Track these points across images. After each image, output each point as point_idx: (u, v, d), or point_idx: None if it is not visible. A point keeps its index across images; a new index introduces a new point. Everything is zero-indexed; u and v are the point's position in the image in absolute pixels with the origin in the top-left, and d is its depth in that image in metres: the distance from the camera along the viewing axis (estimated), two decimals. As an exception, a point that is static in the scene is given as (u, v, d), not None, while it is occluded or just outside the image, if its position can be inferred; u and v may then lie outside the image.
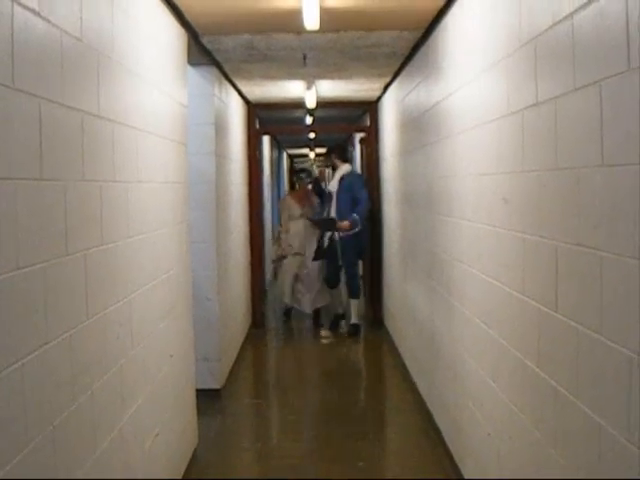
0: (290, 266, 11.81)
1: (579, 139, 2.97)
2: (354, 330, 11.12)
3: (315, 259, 11.55)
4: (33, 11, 2.82)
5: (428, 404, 6.99)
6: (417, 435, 6.75)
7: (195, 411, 6.36)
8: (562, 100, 3.14)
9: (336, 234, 11.15)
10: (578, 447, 3.08)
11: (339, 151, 11.73)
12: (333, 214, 11.21)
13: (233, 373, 8.78)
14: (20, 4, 2.70)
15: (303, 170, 13.27)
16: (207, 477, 5.93)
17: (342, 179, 11.25)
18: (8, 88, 2.60)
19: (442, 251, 6.06)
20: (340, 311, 11.79)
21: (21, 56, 2.70)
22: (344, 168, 11.41)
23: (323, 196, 12.13)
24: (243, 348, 10.07)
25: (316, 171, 14.90)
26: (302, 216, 11.92)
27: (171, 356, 5.29)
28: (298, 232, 11.86)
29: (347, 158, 11.95)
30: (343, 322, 11.66)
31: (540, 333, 3.52)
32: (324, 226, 11.34)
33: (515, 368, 3.97)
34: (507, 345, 4.13)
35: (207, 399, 7.38)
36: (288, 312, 12.28)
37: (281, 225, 12.24)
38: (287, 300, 11.96)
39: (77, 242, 3.29)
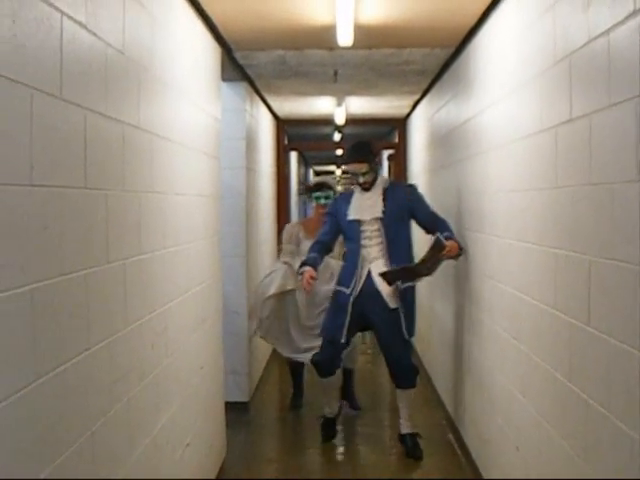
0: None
1: (614, 154, 3.00)
2: (412, 447, 6.79)
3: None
4: (80, 24, 2.89)
5: (455, 419, 7.01)
6: (443, 450, 6.76)
7: (224, 423, 6.40)
8: (597, 116, 3.18)
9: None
10: (609, 460, 3.10)
11: (373, 154, 6.87)
12: (379, 260, 6.67)
13: (260, 387, 8.82)
14: (69, 17, 2.77)
15: (322, 186, 8.28)
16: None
17: (386, 194, 6.74)
18: (56, 98, 2.66)
19: (472, 267, 6.08)
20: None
21: (69, 67, 2.77)
22: (382, 180, 6.94)
23: None
24: (270, 362, 10.10)
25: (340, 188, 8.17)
26: None
27: (202, 368, 5.34)
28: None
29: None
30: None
31: (572, 346, 3.55)
32: (405, 276, 6.57)
33: (545, 382, 3.99)
34: (537, 359, 4.15)
35: (235, 412, 7.44)
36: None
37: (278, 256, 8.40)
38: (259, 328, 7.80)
39: (117, 251, 3.35)
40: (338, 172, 29.29)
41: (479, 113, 5.78)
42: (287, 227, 8.39)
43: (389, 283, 6.45)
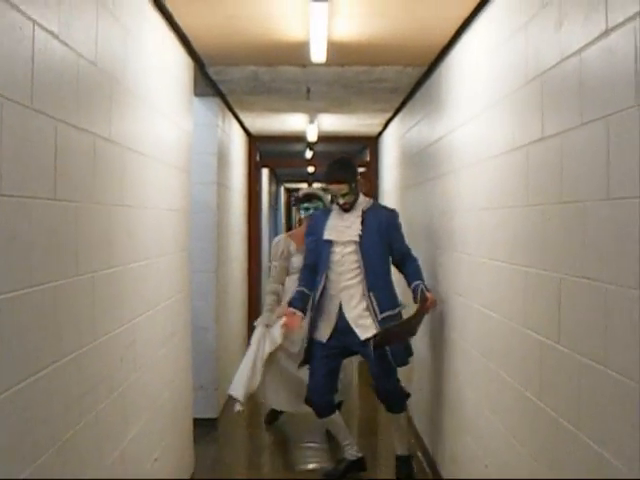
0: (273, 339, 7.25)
1: (585, 173, 3.01)
2: (406, 470, 6.53)
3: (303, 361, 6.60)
4: (52, 34, 2.88)
5: (423, 437, 7.00)
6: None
7: (192, 439, 6.36)
8: (568, 135, 3.19)
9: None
10: (578, 477, 3.10)
11: (355, 173, 6.35)
12: (351, 289, 6.23)
13: (229, 403, 8.75)
14: (41, 27, 2.75)
15: (310, 197, 7.94)
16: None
17: (365, 216, 6.30)
18: (27, 108, 2.64)
19: (442, 286, 6.08)
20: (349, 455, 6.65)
21: (40, 77, 2.75)
22: (364, 200, 6.44)
23: None
24: (239, 379, 10.04)
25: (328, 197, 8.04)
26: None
27: (172, 381, 5.31)
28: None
29: None
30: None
31: (542, 365, 3.55)
32: (397, 337, 6.04)
33: (515, 400, 3.99)
34: (507, 377, 4.15)
35: (203, 428, 7.38)
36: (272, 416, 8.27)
37: (273, 279, 7.75)
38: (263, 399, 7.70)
39: (86, 263, 3.32)
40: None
41: (451, 131, 5.79)
42: (275, 242, 7.87)
43: (377, 346, 5.83)
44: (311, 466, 7.06)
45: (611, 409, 2.76)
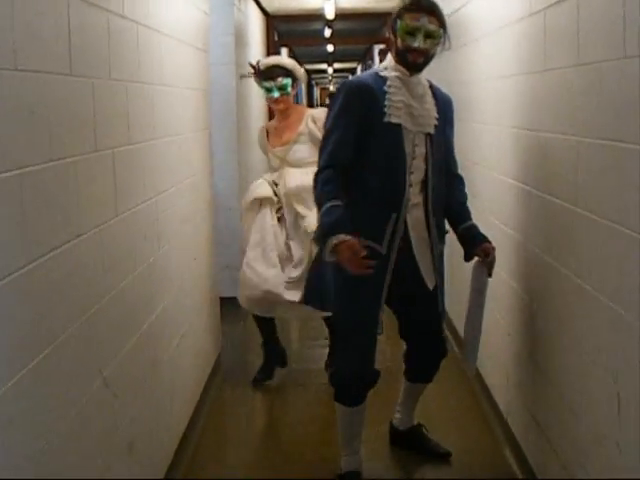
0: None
1: (601, 33, 2.99)
2: (434, 443, 4.74)
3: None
4: None
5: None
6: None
7: (219, 316, 6.46)
8: (585, -6, 3.16)
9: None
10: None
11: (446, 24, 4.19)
12: (418, 209, 4.18)
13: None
14: None
15: (274, 71, 5.85)
16: (230, 380, 6.08)
17: (436, 96, 4.33)
18: (38, -18, 2.63)
19: (462, 157, 6.07)
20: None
21: (49, -49, 2.73)
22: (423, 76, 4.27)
23: None
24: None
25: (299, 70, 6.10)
26: (283, 162, 6.01)
27: (195, 259, 5.37)
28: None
29: None
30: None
31: (560, 227, 3.57)
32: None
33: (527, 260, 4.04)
34: (523, 241, 4.19)
35: (229, 307, 7.48)
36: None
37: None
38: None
39: (105, 139, 3.33)
40: (330, 70, 29.10)
41: (469, 1, 5.72)
42: (259, 132, 6.31)
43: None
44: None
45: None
